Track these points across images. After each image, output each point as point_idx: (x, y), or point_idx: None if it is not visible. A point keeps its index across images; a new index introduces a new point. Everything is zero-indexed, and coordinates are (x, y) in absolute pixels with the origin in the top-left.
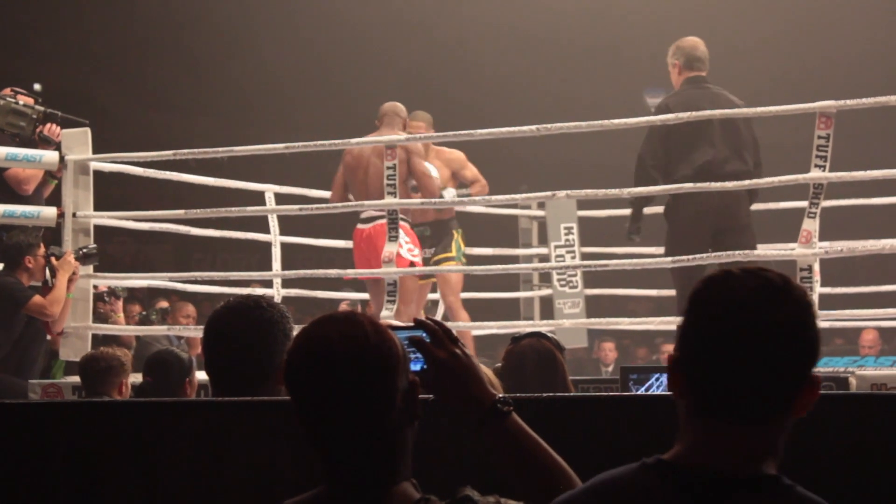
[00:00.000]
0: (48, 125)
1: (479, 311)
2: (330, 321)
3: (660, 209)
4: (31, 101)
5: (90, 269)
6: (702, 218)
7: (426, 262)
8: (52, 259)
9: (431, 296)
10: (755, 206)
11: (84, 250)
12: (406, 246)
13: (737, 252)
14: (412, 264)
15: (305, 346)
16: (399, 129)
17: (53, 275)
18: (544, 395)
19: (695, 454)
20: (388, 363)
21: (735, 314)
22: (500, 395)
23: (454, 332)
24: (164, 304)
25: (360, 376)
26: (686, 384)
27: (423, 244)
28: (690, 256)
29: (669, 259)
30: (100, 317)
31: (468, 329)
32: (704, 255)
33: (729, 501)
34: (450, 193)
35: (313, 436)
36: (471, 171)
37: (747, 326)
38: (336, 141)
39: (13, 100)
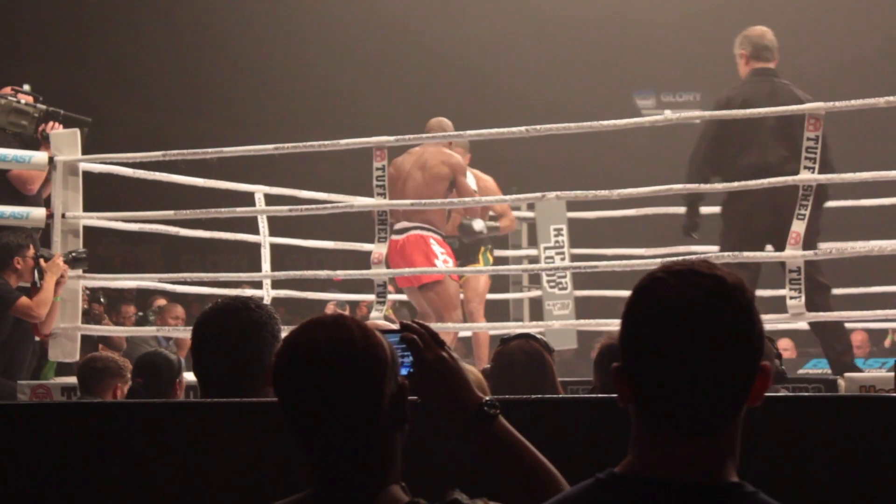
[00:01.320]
0: (50, 123)
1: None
2: (318, 325)
3: (648, 210)
4: (30, 99)
5: (79, 271)
6: (752, 217)
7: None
8: (41, 261)
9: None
10: None
11: (73, 254)
12: (441, 257)
13: (726, 254)
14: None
15: (293, 350)
16: (441, 145)
17: (41, 277)
18: (532, 396)
19: (648, 466)
20: (375, 367)
21: (668, 324)
22: (487, 399)
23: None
24: (161, 302)
25: (348, 380)
26: (632, 394)
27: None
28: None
29: (659, 260)
30: (94, 318)
31: (485, 330)
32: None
33: None
34: (478, 225)
35: (301, 439)
36: (501, 203)
37: (683, 337)
38: (325, 142)
39: (14, 98)
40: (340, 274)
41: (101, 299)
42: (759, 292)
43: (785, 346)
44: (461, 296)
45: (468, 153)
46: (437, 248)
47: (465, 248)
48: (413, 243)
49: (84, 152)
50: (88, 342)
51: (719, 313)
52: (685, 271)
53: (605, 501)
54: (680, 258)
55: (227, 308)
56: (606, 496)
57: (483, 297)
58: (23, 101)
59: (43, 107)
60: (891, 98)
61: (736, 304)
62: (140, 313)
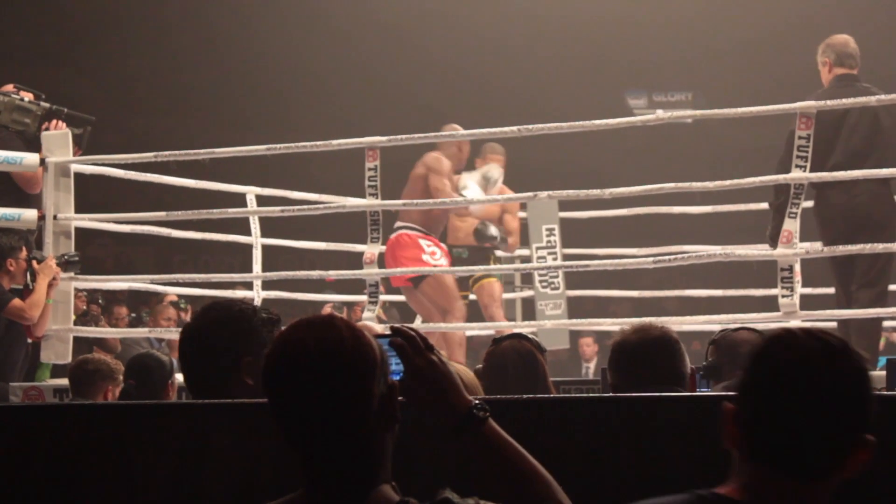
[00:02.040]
0: (55, 122)
1: None
2: (307, 325)
3: (640, 210)
4: (31, 96)
5: (71, 274)
6: (833, 219)
7: (464, 281)
8: (34, 263)
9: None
10: (735, 208)
11: (66, 257)
12: (428, 250)
13: (718, 253)
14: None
15: (281, 351)
16: (450, 148)
17: (34, 279)
18: (524, 396)
19: (749, 496)
20: (364, 368)
21: (797, 373)
22: (477, 401)
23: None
24: (172, 298)
25: (336, 381)
26: (743, 434)
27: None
28: (672, 255)
29: (651, 259)
30: (93, 318)
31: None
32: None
33: None
34: (493, 230)
35: (291, 439)
36: (515, 221)
37: (808, 386)
38: (317, 142)
39: (17, 96)
40: (332, 274)
41: (100, 301)
42: (754, 291)
43: None
44: (472, 297)
45: (493, 154)
46: (423, 242)
47: (475, 257)
48: (399, 243)
49: (85, 152)
50: (84, 344)
51: (843, 368)
52: (816, 331)
53: None
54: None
55: (216, 312)
56: None
57: (499, 299)
58: (25, 99)
59: (46, 105)
60: (882, 97)
61: (857, 363)
62: (133, 314)
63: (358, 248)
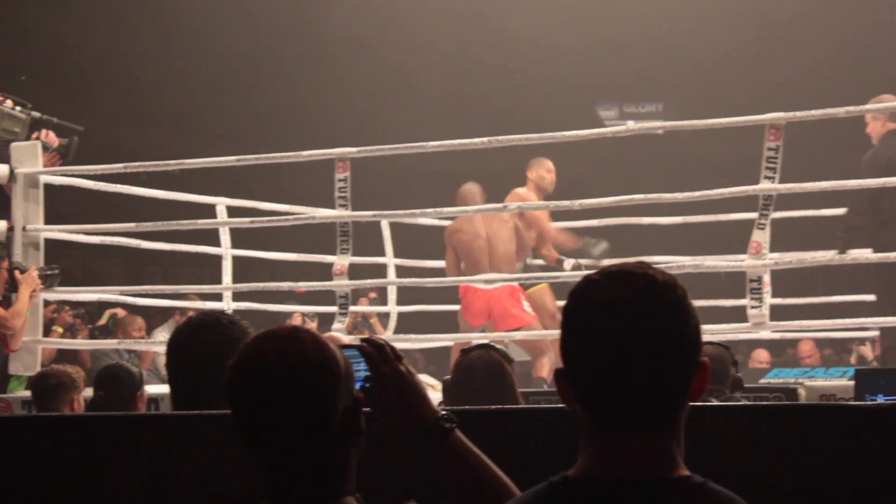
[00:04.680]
0: (44, 131)
1: (429, 323)
2: (271, 337)
3: (610, 221)
4: (11, 103)
5: (51, 287)
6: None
7: None
8: (17, 273)
9: None
10: (704, 219)
11: (47, 271)
12: (525, 304)
13: (687, 263)
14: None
15: (245, 363)
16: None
17: (15, 289)
18: (491, 407)
19: (598, 466)
20: (327, 381)
21: (602, 325)
22: (444, 412)
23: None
24: (117, 311)
25: (298, 394)
26: (575, 395)
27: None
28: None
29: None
30: (71, 328)
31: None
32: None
33: None
34: (568, 264)
35: (253, 451)
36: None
37: (617, 336)
38: (287, 154)
39: (5, 105)
40: (303, 286)
41: (77, 313)
42: (723, 302)
43: (761, 359)
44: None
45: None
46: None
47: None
48: (504, 293)
49: (72, 163)
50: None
51: (651, 311)
52: (618, 272)
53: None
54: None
55: (201, 325)
56: (559, 499)
57: (554, 312)
58: (14, 108)
59: (36, 114)
60: (851, 108)
61: (667, 301)
62: (90, 326)
63: (329, 258)
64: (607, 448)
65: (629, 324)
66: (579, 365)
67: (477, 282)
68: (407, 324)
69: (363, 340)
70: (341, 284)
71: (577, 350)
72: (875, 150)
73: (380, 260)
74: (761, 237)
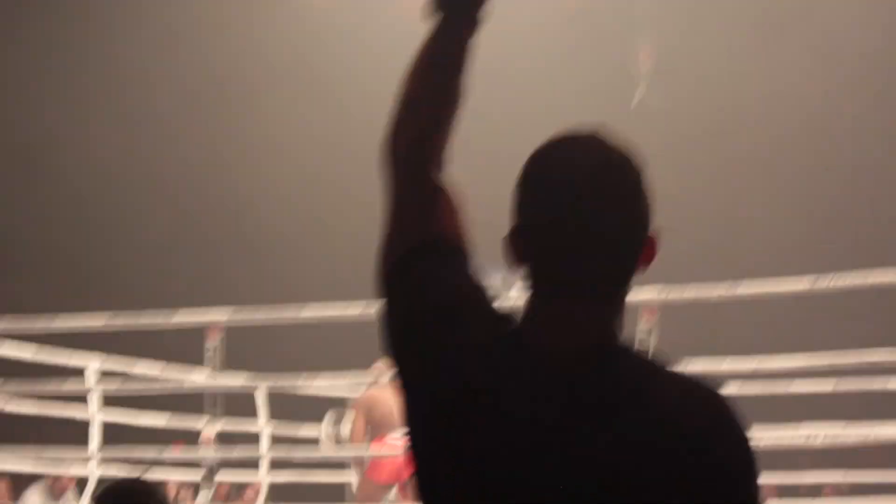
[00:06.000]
0: None
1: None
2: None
3: None
4: None
5: None
6: None
7: None
8: None
9: None
10: None
11: None
12: None
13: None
14: None
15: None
16: None
17: None
18: None
19: (544, 333)
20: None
21: (566, 186)
22: None
23: None
24: None
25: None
26: (525, 256)
27: None
28: None
29: None
30: None
31: None
32: None
33: (579, 374)
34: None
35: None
36: None
37: (581, 199)
38: (156, 321)
39: None
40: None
41: None
42: None
43: None
44: None
45: None
46: None
47: None
48: None
49: None
50: None
51: (616, 179)
52: (584, 137)
53: (494, 366)
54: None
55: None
56: (505, 358)
57: None
58: None
59: None
60: None
61: (634, 166)
62: None
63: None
64: (552, 315)
65: (594, 188)
66: (539, 222)
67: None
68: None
69: None
70: (206, 457)
71: (540, 205)
72: None
73: (252, 429)
74: None
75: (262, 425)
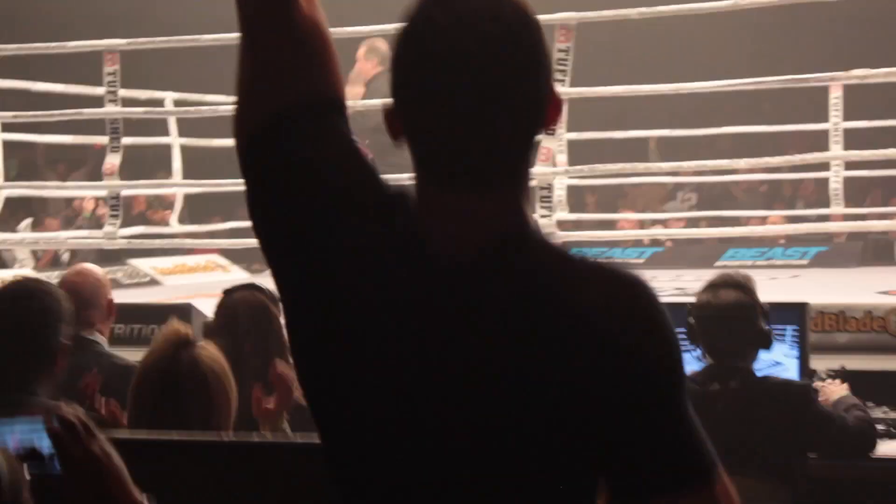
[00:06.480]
0: None
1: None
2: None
3: None
4: None
5: None
6: None
7: None
8: None
9: None
10: None
11: None
12: None
13: None
14: None
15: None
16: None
17: None
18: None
19: (436, 226)
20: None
21: (451, 47)
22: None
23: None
24: None
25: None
26: (410, 138)
27: None
28: None
29: None
30: None
31: None
32: None
33: (480, 276)
34: None
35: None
36: None
37: (468, 62)
38: (51, 44)
39: None
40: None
41: None
42: None
43: None
44: None
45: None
46: None
47: None
48: None
49: None
50: None
51: (509, 32)
52: None
53: (386, 271)
54: None
55: (11, 297)
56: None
57: None
58: None
59: None
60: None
61: (528, 18)
62: None
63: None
64: (448, 207)
65: (487, 47)
66: (414, 97)
67: None
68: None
69: (49, 418)
70: (112, 185)
71: (415, 81)
72: None
73: (163, 140)
74: (550, 143)
75: (174, 137)
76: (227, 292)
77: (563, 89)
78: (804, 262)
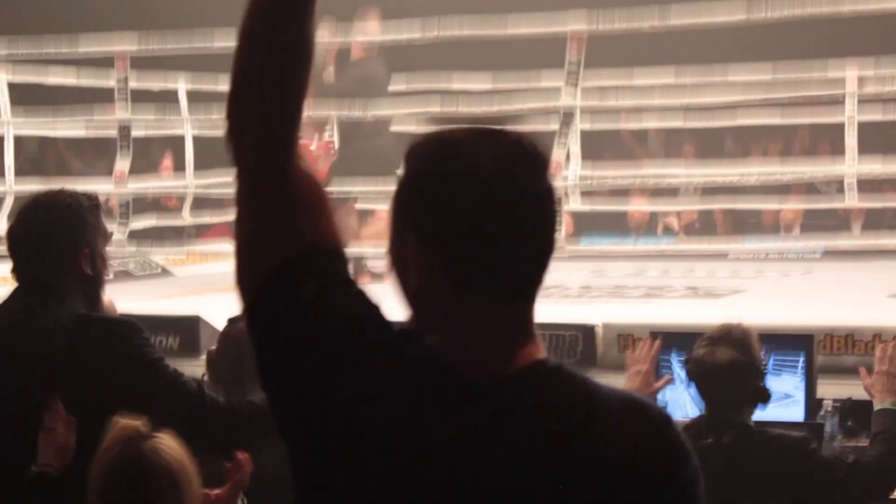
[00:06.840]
0: None
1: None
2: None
3: None
4: None
5: None
6: None
7: None
8: None
9: None
10: None
11: None
12: None
13: None
14: None
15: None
16: None
17: None
18: None
19: (457, 344)
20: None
21: (481, 185)
22: None
23: None
24: None
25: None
26: (436, 263)
27: None
28: None
29: None
30: None
31: None
32: None
33: (500, 394)
34: None
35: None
36: None
37: (498, 198)
38: (62, 50)
39: None
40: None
41: None
42: None
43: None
44: None
45: None
46: None
47: None
48: None
49: None
50: None
51: (530, 174)
52: (489, 132)
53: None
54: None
55: (34, 204)
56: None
57: None
58: None
59: None
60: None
61: (543, 162)
62: None
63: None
64: (470, 321)
65: (511, 185)
66: (452, 229)
67: None
68: None
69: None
70: (122, 192)
71: (451, 212)
72: None
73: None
74: (558, 156)
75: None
76: (232, 321)
77: (572, 102)
78: (817, 255)
